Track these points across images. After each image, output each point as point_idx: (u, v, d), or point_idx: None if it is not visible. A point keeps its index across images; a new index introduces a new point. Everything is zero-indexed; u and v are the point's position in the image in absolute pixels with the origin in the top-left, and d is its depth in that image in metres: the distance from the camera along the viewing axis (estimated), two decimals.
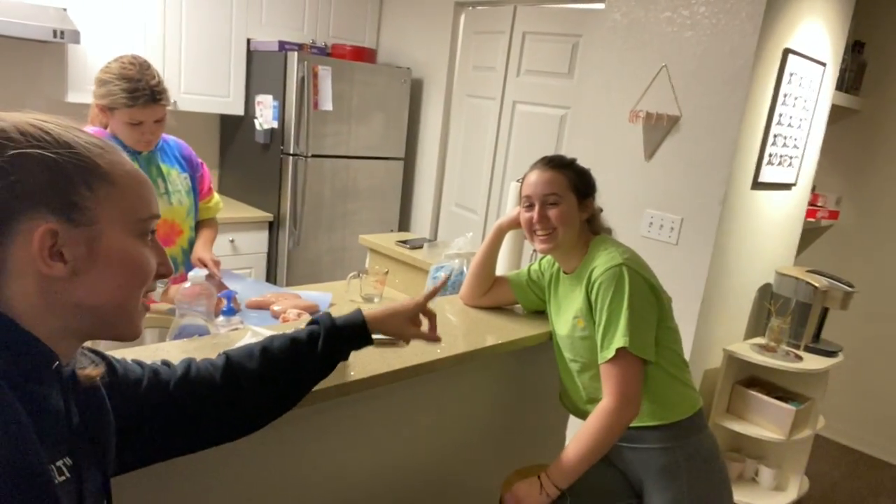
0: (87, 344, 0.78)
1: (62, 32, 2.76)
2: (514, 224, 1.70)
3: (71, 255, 0.67)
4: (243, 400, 0.98)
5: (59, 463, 0.68)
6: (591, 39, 2.95)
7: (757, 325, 3.00)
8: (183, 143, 2.11)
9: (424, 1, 3.84)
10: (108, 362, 0.86)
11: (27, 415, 0.62)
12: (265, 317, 1.96)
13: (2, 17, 2.63)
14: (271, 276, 3.63)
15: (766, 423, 2.71)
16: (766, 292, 2.98)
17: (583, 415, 1.63)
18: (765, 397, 2.72)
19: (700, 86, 2.54)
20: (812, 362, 2.70)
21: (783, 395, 2.79)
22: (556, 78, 3.14)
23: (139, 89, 1.77)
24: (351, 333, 1.10)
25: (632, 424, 1.42)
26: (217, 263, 2.06)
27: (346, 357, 1.13)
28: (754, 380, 2.92)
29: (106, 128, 1.87)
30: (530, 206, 1.56)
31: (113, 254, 0.70)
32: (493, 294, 1.79)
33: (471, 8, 3.64)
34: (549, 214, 1.53)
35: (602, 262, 1.47)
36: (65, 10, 2.90)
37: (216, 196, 2.23)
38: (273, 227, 3.59)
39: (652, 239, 2.72)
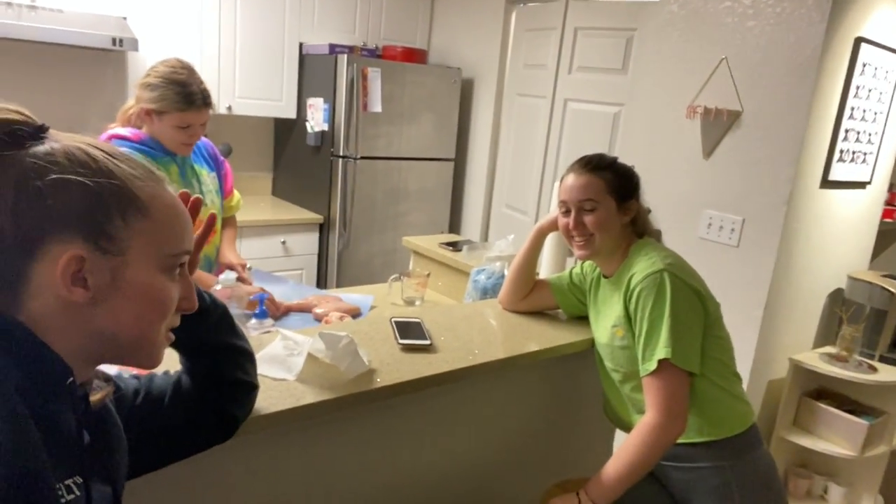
0: None
1: (121, 40, 2.85)
2: (555, 226, 1.63)
3: (94, 282, 0.66)
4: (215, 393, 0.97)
5: (69, 482, 0.67)
6: (646, 33, 2.83)
7: (827, 334, 2.81)
8: (208, 141, 2.09)
9: (475, 0, 3.79)
10: (111, 381, 0.85)
11: (38, 432, 0.62)
12: (307, 319, 1.96)
13: (65, 27, 2.74)
14: (322, 278, 3.66)
15: (836, 438, 2.53)
16: (836, 298, 2.79)
17: (628, 427, 1.54)
18: (835, 410, 2.54)
19: (763, 79, 2.40)
20: (888, 374, 2.50)
21: (855, 408, 2.60)
22: (609, 74, 3.03)
23: (193, 93, 1.78)
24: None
25: (678, 441, 1.33)
26: (244, 266, 2.07)
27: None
28: (823, 391, 2.73)
29: (140, 128, 1.86)
30: (567, 212, 1.49)
31: (136, 286, 0.69)
32: (533, 298, 1.72)
33: (522, 5, 3.56)
34: (586, 221, 1.46)
35: (642, 269, 1.39)
36: (124, 18, 3.00)
37: (237, 194, 2.23)
38: (324, 229, 3.62)
39: (710, 241, 2.59)
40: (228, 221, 2.22)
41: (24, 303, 0.65)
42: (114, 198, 0.67)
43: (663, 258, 1.39)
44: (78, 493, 0.67)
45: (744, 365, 2.54)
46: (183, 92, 1.77)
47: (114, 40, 2.83)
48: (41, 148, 0.66)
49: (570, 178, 1.49)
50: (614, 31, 2.99)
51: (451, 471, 1.57)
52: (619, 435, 1.77)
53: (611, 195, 1.46)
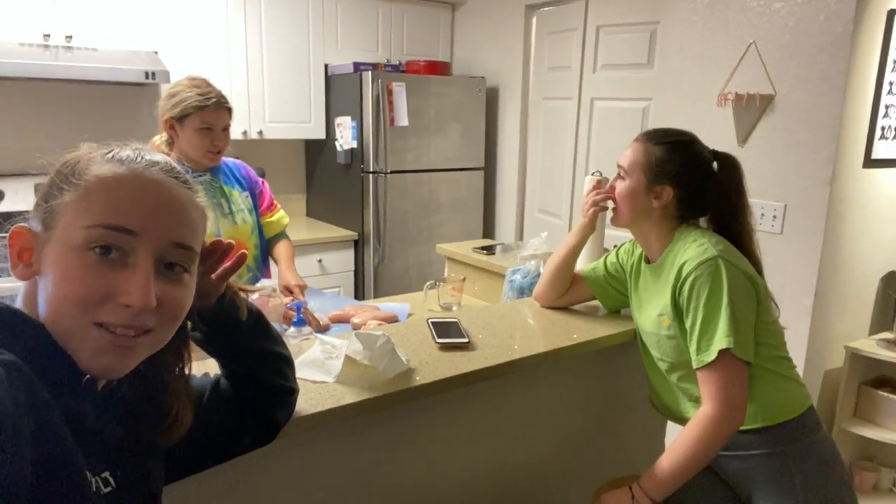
0: None
1: (153, 73, 2.94)
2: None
3: (35, 257, 0.67)
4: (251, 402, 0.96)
5: (106, 475, 0.67)
6: (670, 24, 2.80)
7: (883, 318, 2.70)
8: (241, 163, 2.16)
9: (495, 8, 3.81)
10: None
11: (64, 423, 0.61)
12: (346, 329, 1.96)
13: (100, 64, 2.84)
14: (359, 293, 3.67)
15: None
16: (891, 281, 2.67)
17: (676, 417, 1.49)
18: None
19: (794, 60, 2.34)
20: None
21: None
22: (635, 69, 3.00)
23: (209, 93, 1.89)
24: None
25: None
26: (303, 288, 2.08)
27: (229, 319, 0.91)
28: (883, 379, 2.61)
29: (169, 155, 1.93)
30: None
31: (50, 262, 0.65)
32: (570, 293, 1.68)
33: (542, 9, 3.56)
34: (616, 186, 1.45)
35: (694, 255, 1.32)
36: (156, 53, 3.09)
37: (280, 210, 2.26)
38: (358, 245, 3.64)
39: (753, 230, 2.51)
40: (282, 242, 2.24)
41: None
42: (61, 176, 0.68)
43: (714, 244, 1.33)
44: (113, 486, 0.66)
45: (797, 356, 2.45)
46: (200, 92, 1.87)
47: (146, 74, 2.92)
48: None
49: (631, 144, 1.46)
50: (637, 26, 2.96)
51: (496, 470, 1.54)
52: (671, 430, 1.72)
53: (644, 172, 1.40)
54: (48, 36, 2.81)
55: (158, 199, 0.68)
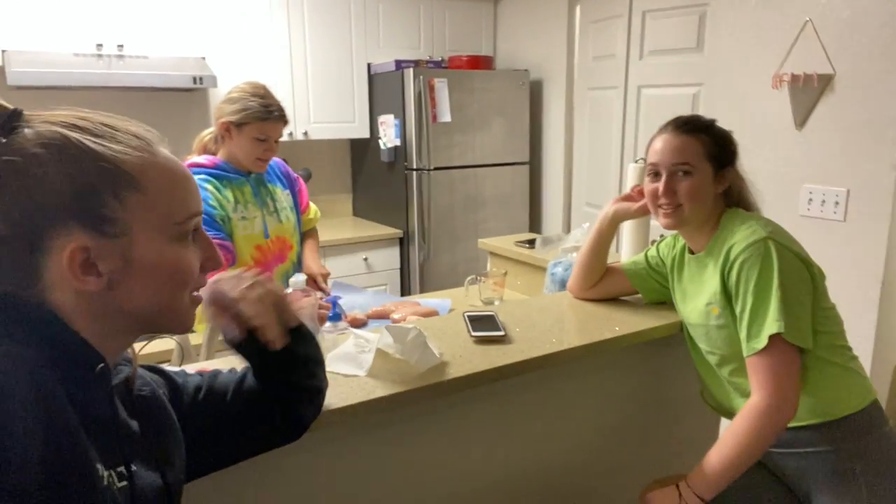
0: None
1: (201, 79, 3.01)
2: (633, 213, 1.53)
3: (106, 267, 0.65)
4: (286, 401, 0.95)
5: (121, 469, 0.66)
6: (719, 6, 2.68)
7: None
8: (281, 161, 2.17)
9: (537, 0, 3.74)
10: (167, 376, 0.86)
11: (76, 416, 0.60)
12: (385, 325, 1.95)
13: (151, 70, 2.93)
14: (406, 290, 3.67)
15: None
16: None
17: (730, 414, 1.41)
18: None
19: (855, 36, 2.20)
20: None
21: None
22: (683, 54, 2.89)
23: (272, 105, 1.89)
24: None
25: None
26: (325, 276, 2.13)
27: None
28: None
29: (216, 154, 1.95)
30: (656, 176, 1.36)
31: (148, 262, 0.67)
32: (604, 285, 1.62)
33: None
34: (678, 188, 1.33)
35: (742, 238, 1.25)
36: (203, 58, 3.17)
37: (313, 206, 2.28)
38: (403, 243, 3.64)
39: (813, 217, 2.39)
40: (310, 234, 2.28)
41: (44, 295, 0.64)
42: (102, 179, 0.64)
43: (763, 226, 1.26)
44: (128, 480, 0.66)
45: (864, 350, 2.31)
46: (263, 103, 1.87)
47: (195, 79, 3.00)
48: (16, 139, 0.62)
49: (664, 139, 1.36)
50: (685, 10, 2.85)
51: (534, 468, 1.49)
52: (724, 424, 1.64)
53: (708, 161, 1.33)
54: (101, 45, 2.91)
55: (189, 175, 0.73)
